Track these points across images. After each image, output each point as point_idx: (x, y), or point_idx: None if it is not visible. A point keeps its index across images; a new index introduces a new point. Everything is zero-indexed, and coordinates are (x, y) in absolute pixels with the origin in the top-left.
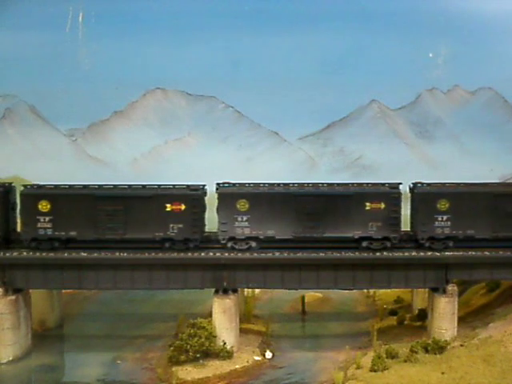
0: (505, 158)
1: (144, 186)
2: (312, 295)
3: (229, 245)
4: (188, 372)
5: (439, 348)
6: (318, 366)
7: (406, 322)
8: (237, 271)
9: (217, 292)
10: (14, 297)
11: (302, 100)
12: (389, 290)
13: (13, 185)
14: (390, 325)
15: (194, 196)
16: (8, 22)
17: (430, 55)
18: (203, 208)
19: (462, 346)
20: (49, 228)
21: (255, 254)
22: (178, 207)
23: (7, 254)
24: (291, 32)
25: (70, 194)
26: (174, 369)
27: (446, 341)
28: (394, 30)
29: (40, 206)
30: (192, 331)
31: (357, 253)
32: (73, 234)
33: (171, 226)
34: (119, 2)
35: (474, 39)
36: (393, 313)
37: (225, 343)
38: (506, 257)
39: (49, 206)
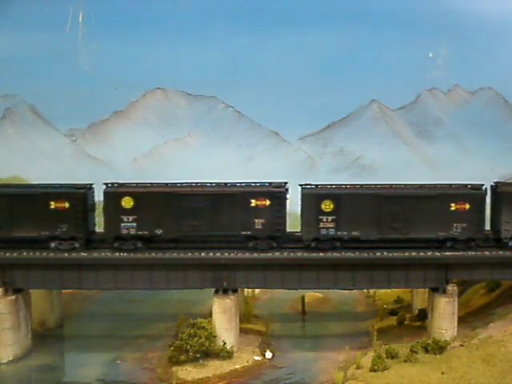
0: (505, 158)
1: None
2: (312, 295)
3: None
4: (188, 372)
5: (439, 348)
6: (317, 366)
7: (406, 322)
8: (237, 271)
9: (217, 292)
10: (14, 297)
11: (302, 100)
12: (389, 290)
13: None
14: (390, 325)
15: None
16: (8, 22)
17: (430, 55)
18: None
19: (461, 346)
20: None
21: (255, 254)
22: (462, 206)
23: (7, 254)
24: (291, 32)
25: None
26: (173, 369)
27: (446, 341)
28: (393, 30)
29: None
30: (192, 331)
31: (357, 253)
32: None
33: (454, 225)
34: (119, 2)
35: (474, 39)
36: (393, 313)
37: (225, 343)
38: (506, 257)
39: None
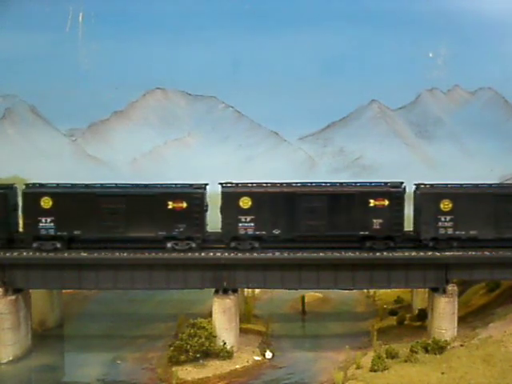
0: (505, 158)
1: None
2: (312, 295)
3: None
4: (188, 372)
5: (439, 348)
6: (318, 366)
7: (406, 322)
8: (237, 271)
9: (217, 292)
10: (14, 297)
11: (302, 100)
12: (389, 290)
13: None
14: (390, 325)
15: None
16: (8, 22)
17: (430, 55)
18: None
19: (462, 346)
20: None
21: (255, 254)
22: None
23: (7, 254)
24: (291, 32)
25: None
26: (174, 369)
27: (446, 341)
28: (394, 29)
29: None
30: (192, 331)
31: (357, 253)
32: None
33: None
34: (119, 2)
35: (474, 39)
36: (393, 313)
37: (225, 343)
38: (506, 257)
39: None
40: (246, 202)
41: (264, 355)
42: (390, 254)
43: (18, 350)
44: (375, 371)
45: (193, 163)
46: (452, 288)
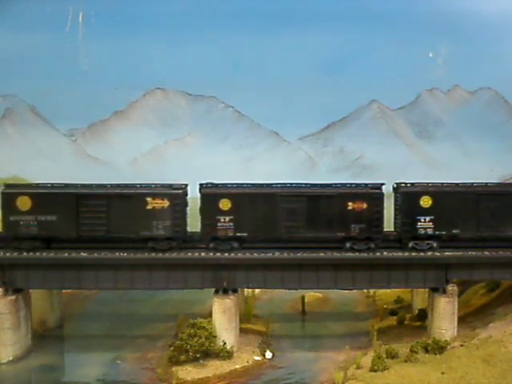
0: (505, 158)
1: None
2: (312, 295)
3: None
4: (188, 372)
5: (439, 348)
6: (317, 366)
7: (406, 322)
8: (237, 271)
9: (217, 292)
10: (14, 297)
11: (301, 100)
12: (389, 290)
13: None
14: (390, 325)
15: None
16: (8, 22)
17: (430, 55)
18: None
19: (461, 346)
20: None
21: (255, 254)
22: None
23: (7, 254)
24: (291, 32)
25: None
26: (174, 369)
27: (446, 341)
28: (394, 30)
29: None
30: (192, 331)
31: (357, 253)
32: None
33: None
34: (119, 2)
35: (473, 39)
36: (393, 313)
37: (225, 343)
38: (506, 257)
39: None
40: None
41: (264, 355)
42: (390, 254)
43: (18, 350)
44: (375, 371)
45: (193, 163)
46: (452, 288)
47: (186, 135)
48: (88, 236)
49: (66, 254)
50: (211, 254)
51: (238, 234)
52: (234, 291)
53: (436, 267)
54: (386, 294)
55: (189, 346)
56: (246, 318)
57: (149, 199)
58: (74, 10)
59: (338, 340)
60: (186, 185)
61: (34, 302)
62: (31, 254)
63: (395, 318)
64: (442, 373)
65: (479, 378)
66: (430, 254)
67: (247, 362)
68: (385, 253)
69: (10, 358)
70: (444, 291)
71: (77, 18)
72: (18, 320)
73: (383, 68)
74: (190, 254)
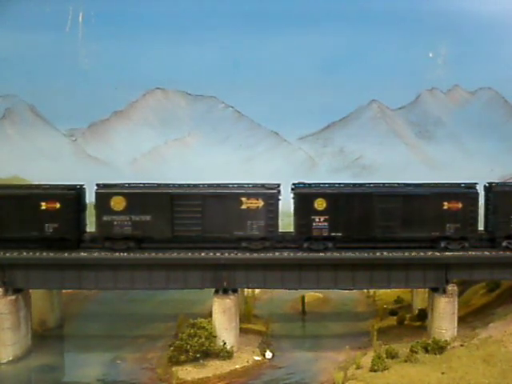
0: (505, 158)
1: None
2: (312, 295)
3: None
4: (188, 372)
5: (439, 348)
6: (318, 366)
7: (406, 322)
8: (237, 271)
9: (217, 292)
10: (13, 297)
11: (302, 100)
12: (389, 290)
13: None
14: (390, 325)
15: None
16: (8, 22)
17: (430, 55)
18: None
19: (462, 346)
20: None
21: (255, 254)
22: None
23: (7, 254)
24: (291, 32)
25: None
26: (174, 369)
27: (446, 341)
28: (394, 30)
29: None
30: (192, 331)
31: (357, 253)
32: None
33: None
34: (119, 2)
35: (473, 39)
36: (393, 313)
37: (225, 343)
38: (506, 257)
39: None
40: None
41: (264, 355)
42: (390, 254)
43: (18, 350)
44: (375, 371)
45: (193, 163)
46: (452, 288)
47: (185, 135)
48: (182, 236)
49: (66, 254)
50: (211, 254)
51: (333, 234)
52: (234, 291)
53: (436, 267)
54: (386, 294)
55: (189, 346)
56: (246, 317)
57: (243, 199)
58: (74, 10)
59: (338, 340)
60: (279, 184)
61: (34, 302)
62: (31, 253)
63: (395, 318)
64: (442, 373)
65: (479, 378)
66: (430, 253)
67: (247, 362)
68: (385, 253)
69: (10, 358)
70: (444, 291)
71: (77, 17)
72: (18, 320)
73: (383, 68)
74: (190, 253)
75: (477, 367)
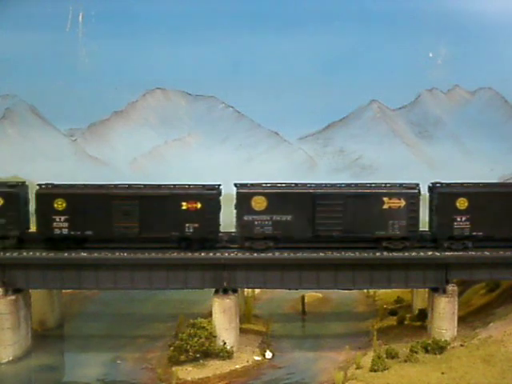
0: (505, 158)
1: None
2: (312, 295)
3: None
4: (188, 372)
5: (439, 348)
6: (318, 366)
7: (406, 322)
8: (237, 271)
9: (217, 292)
10: (13, 297)
11: (301, 100)
12: (389, 290)
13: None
14: (390, 325)
15: None
16: (8, 22)
17: (430, 55)
18: None
19: (462, 346)
20: None
21: (255, 254)
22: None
23: (7, 254)
24: (291, 32)
25: None
26: (173, 369)
27: (446, 341)
28: (393, 30)
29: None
30: (192, 331)
31: (357, 253)
32: None
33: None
34: (119, 2)
35: (474, 39)
36: (393, 313)
37: (225, 343)
38: (506, 257)
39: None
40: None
41: (264, 355)
42: (390, 254)
43: (18, 349)
44: (375, 371)
45: (193, 163)
46: (452, 288)
47: (185, 135)
48: (323, 236)
49: (66, 254)
50: (211, 254)
51: (474, 233)
52: (234, 291)
53: (436, 267)
54: (386, 294)
55: (189, 346)
56: (246, 318)
57: (385, 199)
58: (74, 10)
59: (338, 340)
60: (417, 184)
61: (34, 302)
62: (31, 253)
63: (395, 318)
64: (442, 373)
65: (479, 378)
66: (430, 253)
67: (247, 361)
68: (385, 253)
69: (10, 358)
70: (444, 291)
71: (77, 17)
72: (18, 320)
73: (383, 68)
74: (190, 254)
75: (477, 367)
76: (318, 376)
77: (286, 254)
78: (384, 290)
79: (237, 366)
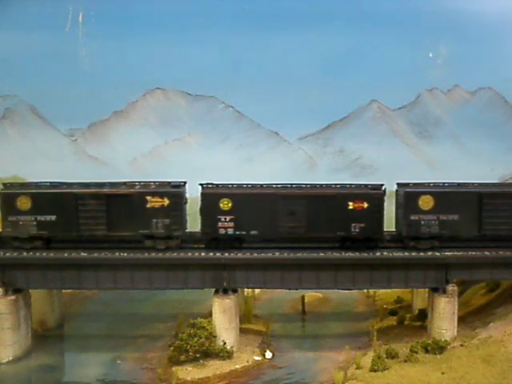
0: (505, 158)
1: None
2: (312, 295)
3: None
4: (188, 372)
5: (439, 348)
6: (318, 366)
7: (406, 322)
8: (237, 271)
9: (217, 292)
10: (13, 297)
11: (301, 100)
12: (389, 290)
13: None
14: (390, 325)
15: None
16: (8, 22)
17: (430, 55)
18: None
19: (462, 346)
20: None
21: (255, 254)
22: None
23: (7, 254)
24: (291, 32)
25: None
26: (173, 369)
27: (446, 341)
28: (394, 30)
29: None
30: (192, 331)
31: (357, 253)
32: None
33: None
34: (119, 2)
35: (474, 39)
36: (393, 313)
37: (225, 343)
38: (506, 257)
39: None
40: None
41: (264, 355)
42: (390, 254)
43: (18, 349)
44: (375, 371)
45: (193, 163)
46: (452, 288)
47: (185, 135)
48: (490, 235)
49: (66, 254)
50: (211, 254)
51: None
52: (234, 291)
53: (436, 267)
54: (386, 294)
55: (189, 346)
56: (246, 318)
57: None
58: (74, 10)
59: (338, 340)
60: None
61: (34, 302)
62: (31, 253)
63: (395, 318)
64: (442, 373)
65: (479, 378)
66: (430, 253)
67: (247, 361)
68: (385, 253)
69: (10, 358)
70: (444, 291)
71: (77, 17)
72: (18, 320)
73: (383, 68)
74: (190, 253)
75: (477, 367)
76: (318, 376)
77: (286, 254)
78: (384, 290)
79: (237, 366)
